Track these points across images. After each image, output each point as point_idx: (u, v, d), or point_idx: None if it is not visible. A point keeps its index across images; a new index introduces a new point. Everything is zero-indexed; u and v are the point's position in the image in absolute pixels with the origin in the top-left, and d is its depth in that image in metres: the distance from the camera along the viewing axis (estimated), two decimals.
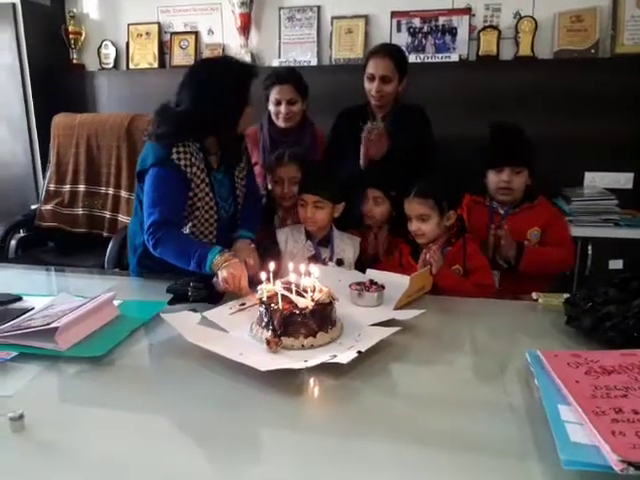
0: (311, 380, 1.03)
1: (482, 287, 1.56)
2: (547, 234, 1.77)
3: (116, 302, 1.32)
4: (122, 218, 2.69)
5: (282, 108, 2.03)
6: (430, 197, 1.62)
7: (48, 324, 1.12)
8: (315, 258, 1.71)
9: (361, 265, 1.66)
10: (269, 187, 1.93)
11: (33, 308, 1.27)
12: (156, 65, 3.03)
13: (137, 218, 1.60)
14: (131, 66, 3.08)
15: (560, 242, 1.75)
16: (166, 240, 1.45)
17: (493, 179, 1.79)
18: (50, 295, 1.38)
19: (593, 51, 2.56)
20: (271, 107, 2.06)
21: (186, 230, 1.58)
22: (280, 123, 2.05)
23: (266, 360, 1.05)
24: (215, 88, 1.48)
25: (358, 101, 2.08)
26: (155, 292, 1.44)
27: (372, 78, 1.96)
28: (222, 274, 1.35)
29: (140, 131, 2.62)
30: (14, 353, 1.09)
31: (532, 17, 2.61)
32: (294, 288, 1.19)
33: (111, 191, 2.73)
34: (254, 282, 1.33)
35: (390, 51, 1.97)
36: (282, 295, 1.16)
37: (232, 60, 1.55)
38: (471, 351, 1.20)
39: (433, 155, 2.01)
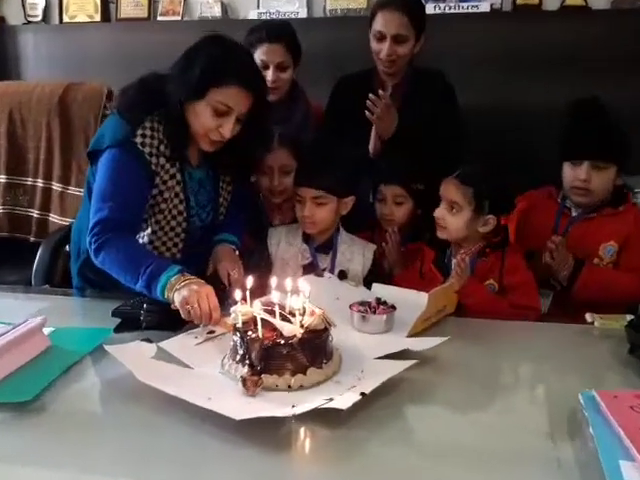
0: (301, 431, 1.03)
1: (521, 310, 1.57)
2: (625, 253, 1.69)
3: (47, 330, 1.31)
4: (54, 218, 2.67)
5: (269, 74, 2.02)
6: (469, 185, 1.62)
7: None
8: (312, 267, 1.71)
9: (377, 281, 1.63)
10: (251, 179, 1.93)
11: None
12: (98, 18, 3.03)
13: (86, 211, 1.60)
14: (65, 19, 3.07)
15: (636, 267, 1.66)
16: (112, 245, 1.44)
17: (569, 173, 1.73)
18: None
19: None
20: None
21: (143, 238, 1.58)
22: None
23: (242, 406, 1.05)
24: (188, 56, 1.49)
25: (361, 65, 2.09)
26: (98, 316, 1.43)
27: (381, 37, 1.96)
28: (180, 294, 1.32)
29: (78, 104, 2.60)
30: None
31: None
32: (278, 310, 1.19)
33: (40, 183, 2.71)
34: (228, 303, 1.33)
35: (404, 2, 1.97)
36: (262, 320, 1.16)
37: (230, 45, 1.52)
38: (507, 390, 1.20)
39: (462, 135, 2.02)
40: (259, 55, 2.02)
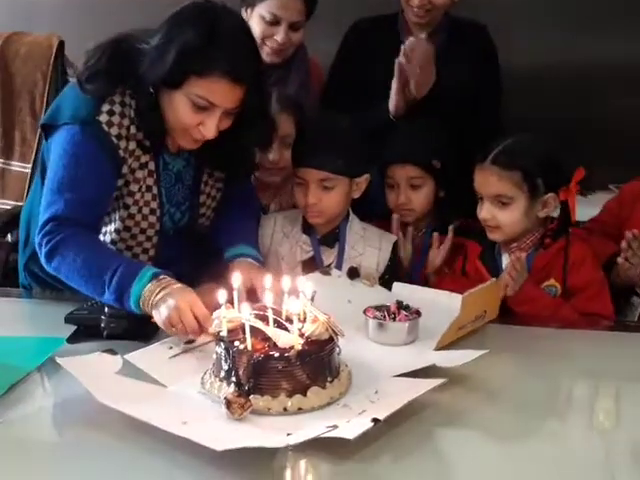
0: (299, 465, 1.06)
1: (591, 318, 1.58)
2: None
3: None
4: None
5: (279, 32, 2.02)
6: (517, 168, 1.62)
7: None
8: (313, 263, 1.74)
9: (399, 279, 1.67)
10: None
11: None
12: None
13: (38, 194, 1.62)
14: None
15: None
16: (69, 247, 1.45)
17: None
18: None
19: None
20: (255, 23, 2.02)
21: (105, 236, 1.60)
22: (265, 56, 2.00)
23: (225, 433, 1.07)
24: (166, 31, 1.46)
25: (373, 9, 2.12)
26: (48, 322, 1.46)
27: None
28: (160, 314, 1.34)
29: (21, 59, 2.58)
30: None
31: None
32: (272, 316, 1.21)
33: None
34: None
35: None
36: (252, 328, 1.19)
37: (225, 21, 1.48)
38: (561, 417, 1.22)
39: (498, 102, 2.05)
40: (270, 7, 2.01)
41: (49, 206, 1.49)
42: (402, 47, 1.87)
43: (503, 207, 1.64)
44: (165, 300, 1.34)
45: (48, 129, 1.57)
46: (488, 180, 1.65)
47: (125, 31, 1.53)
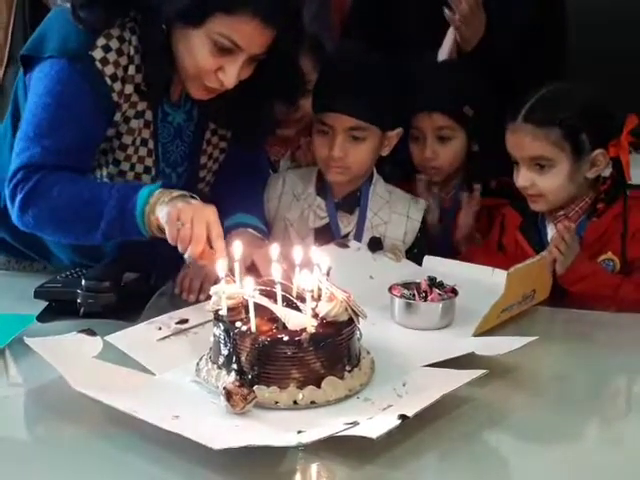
0: (312, 468, 1.05)
1: None
2: None
3: None
4: None
5: None
6: (554, 123, 1.61)
7: None
8: (328, 232, 1.74)
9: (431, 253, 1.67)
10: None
11: None
12: None
13: (9, 139, 1.61)
14: None
15: None
16: (51, 185, 1.44)
17: None
18: None
19: None
20: None
21: None
22: None
23: (224, 429, 1.06)
24: None
25: None
26: (15, 296, 1.48)
27: None
28: (172, 206, 1.34)
29: None
30: None
31: None
32: (280, 292, 1.21)
33: None
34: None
35: None
36: (257, 306, 1.18)
37: None
38: (619, 416, 1.22)
39: (563, 46, 2.04)
40: None
41: (23, 152, 1.48)
42: None
43: (543, 171, 1.63)
44: (184, 199, 1.37)
45: (28, 62, 1.54)
46: (522, 141, 1.64)
47: None
